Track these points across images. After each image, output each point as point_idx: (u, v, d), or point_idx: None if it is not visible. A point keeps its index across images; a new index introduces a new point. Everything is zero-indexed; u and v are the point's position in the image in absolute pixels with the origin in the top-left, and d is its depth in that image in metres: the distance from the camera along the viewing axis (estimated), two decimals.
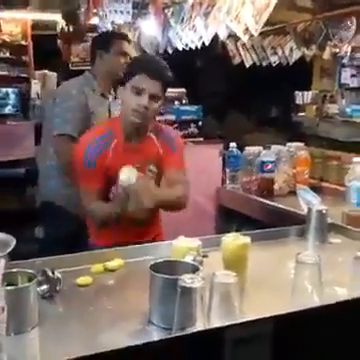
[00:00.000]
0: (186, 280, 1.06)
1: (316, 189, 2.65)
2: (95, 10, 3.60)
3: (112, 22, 3.83)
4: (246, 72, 5.27)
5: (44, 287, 1.33)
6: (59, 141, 2.49)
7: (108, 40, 2.67)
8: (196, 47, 3.55)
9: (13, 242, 1.32)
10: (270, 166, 2.67)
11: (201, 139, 3.11)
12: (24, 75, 5.13)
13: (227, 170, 2.83)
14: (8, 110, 4.49)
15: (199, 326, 1.11)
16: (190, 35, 3.54)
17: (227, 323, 1.03)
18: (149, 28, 3.90)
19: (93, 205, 1.88)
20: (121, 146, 1.88)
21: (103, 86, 2.64)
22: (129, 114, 1.82)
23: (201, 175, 2.82)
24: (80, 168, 1.88)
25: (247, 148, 2.79)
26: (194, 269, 1.19)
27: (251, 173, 2.76)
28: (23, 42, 5.20)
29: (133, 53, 2.78)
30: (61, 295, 1.34)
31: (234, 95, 6.63)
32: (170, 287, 1.10)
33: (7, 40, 5.16)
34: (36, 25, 5.06)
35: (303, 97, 5.60)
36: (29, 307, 1.15)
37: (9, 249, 1.29)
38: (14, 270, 1.20)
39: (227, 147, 2.83)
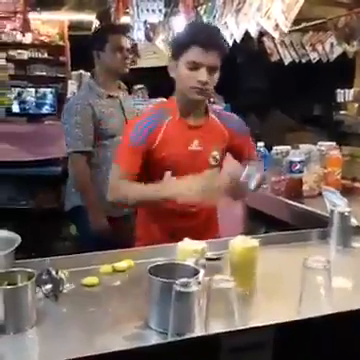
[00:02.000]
0: (181, 284, 1.03)
1: (348, 190, 2.55)
2: (127, 10, 3.63)
3: (145, 21, 3.85)
4: (285, 69, 5.17)
5: (48, 286, 1.32)
6: (73, 158, 2.55)
7: (102, 38, 2.53)
8: (233, 44, 3.49)
9: (18, 240, 1.33)
10: (298, 166, 2.57)
11: None
12: (61, 75, 5.23)
13: None
14: (45, 110, 4.58)
15: (198, 332, 1.08)
16: (222, 32, 3.49)
17: (220, 330, 0.99)
18: (181, 26, 3.88)
19: (122, 183, 1.69)
20: (177, 123, 1.73)
21: (108, 87, 2.59)
22: (187, 92, 1.69)
23: None
24: (123, 147, 1.74)
25: (275, 147, 2.71)
26: (195, 272, 1.15)
27: (279, 173, 2.68)
28: (60, 43, 5.30)
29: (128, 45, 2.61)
30: (65, 295, 1.33)
31: (273, 93, 6.52)
32: (166, 291, 1.07)
33: (45, 41, 5.28)
34: (73, 26, 5.15)
35: (344, 95, 5.41)
36: (28, 306, 1.14)
37: (13, 247, 1.30)
38: (14, 269, 1.20)
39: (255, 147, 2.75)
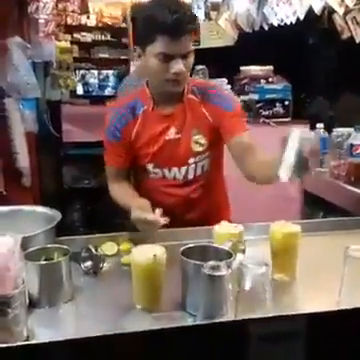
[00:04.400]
0: (210, 267, 1.00)
1: None
2: None
3: (206, 0, 3.78)
4: (356, 48, 4.89)
5: (87, 264, 1.34)
6: None
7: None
8: (300, 22, 3.36)
9: (59, 217, 1.36)
10: None
11: (287, 119, 2.93)
12: (124, 57, 5.26)
13: None
14: (108, 92, 4.65)
15: (228, 317, 1.05)
16: (285, 9, 3.37)
17: (248, 317, 0.96)
18: (243, 5, 3.77)
19: (115, 187, 1.68)
20: (150, 114, 1.61)
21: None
22: (162, 85, 1.53)
23: None
24: (105, 143, 1.68)
25: (335, 130, 2.57)
26: (228, 256, 1.12)
27: (340, 157, 2.55)
28: (123, 24, 5.33)
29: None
30: (104, 273, 1.35)
31: (344, 73, 6.21)
32: (197, 273, 1.05)
33: (108, 23, 5.33)
34: (136, 7, 5.15)
35: None
36: (62, 282, 1.17)
37: (53, 224, 1.33)
38: (51, 246, 1.22)
39: (314, 128, 2.64)
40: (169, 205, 1.61)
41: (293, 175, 1.21)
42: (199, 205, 1.69)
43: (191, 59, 1.51)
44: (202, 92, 1.62)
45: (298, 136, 1.22)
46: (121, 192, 1.66)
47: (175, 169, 1.64)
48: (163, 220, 1.38)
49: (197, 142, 1.61)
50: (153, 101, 1.62)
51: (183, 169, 1.64)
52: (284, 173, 1.21)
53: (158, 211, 1.40)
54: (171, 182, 1.66)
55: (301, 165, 1.22)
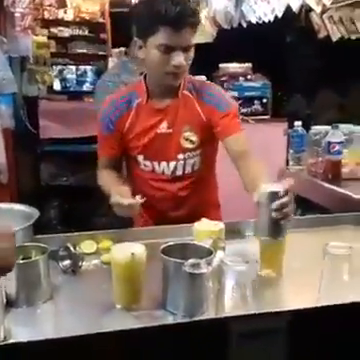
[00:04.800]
0: (190, 265, 1.00)
1: None
2: None
3: None
4: (333, 47, 4.95)
5: (66, 262, 1.32)
6: None
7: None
8: (280, 22, 3.38)
9: (36, 215, 1.33)
10: (337, 147, 2.45)
11: (266, 117, 2.95)
12: (102, 53, 5.22)
13: (291, 151, 2.67)
14: (86, 87, 4.61)
15: (209, 315, 1.05)
16: (263, 7, 3.38)
17: (229, 314, 0.96)
18: (222, 2, 3.78)
19: (104, 173, 1.70)
20: (144, 107, 1.61)
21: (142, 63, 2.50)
22: (161, 77, 1.53)
23: (263, 155, 2.67)
24: (99, 136, 1.70)
25: (314, 127, 2.60)
26: (208, 254, 1.12)
27: (317, 154, 2.58)
28: (101, 20, 5.28)
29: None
30: (83, 271, 1.33)
31: (320, 72, 6.28)
32: (177, 271, 1.04)
33: (86, 18, 5.27)
34: (114, 3, 5.11)
35: None
36: (40, 281, 1.15)
37: (31, 222, 1.30)
38: (29, 244, 1.20)
39: (292, 126, 2.66)
40: (157, 199, 1.66)
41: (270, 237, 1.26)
42: (187, 202, 1.69)
43: (191, 53, 1.51)
44: (198, 90, 1.62)
45: (266, 196, 1.25)
46: (107, 179, 1.68)
47: (164, 163, 1.64)
48: (140, 201, 1.41)
49: (187, 139, 1.61)
50: (148, 94, 1.62)
51: (172, 164, 1.64)
52: (262, 236, 1.28)
53: (138, 197, 1.42)
54: (160, 176, 1.67)
55: (275, 228, 1.26)
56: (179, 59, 1.46)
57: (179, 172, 1.65)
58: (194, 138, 1.61)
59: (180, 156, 1.63)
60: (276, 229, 1.25)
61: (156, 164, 1.65)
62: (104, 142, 1.69)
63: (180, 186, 1.68)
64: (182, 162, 1.64)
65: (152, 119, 1.61)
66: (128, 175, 1.77)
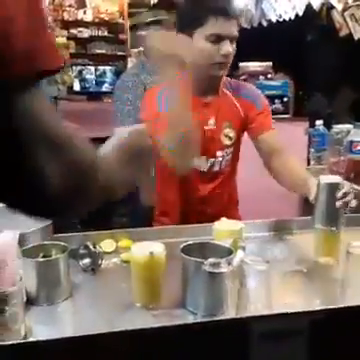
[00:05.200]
0: (210, 264, 0.99)
1: None
2: None
3: None
4: (355, 45, 4.88)
5: (86, 261, 1.32)
6: None
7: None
8: (299, 18, 3.35)
9: None
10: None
11: (286, 116, 2.92)
12: (121, 53, 5.23)
13: (312, 150, 2.64)
14: (105, 88, 4.62)
15: (229, 315, 1.04)
16: (283, 5, 3.35)
17: (248, 314, 0.94)
18: (242, 0, 3.75)
19: None
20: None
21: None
22: (209, 68, 1.53)
23: None
24: (154, 114, 1.46)
25: (335, 126, 2.56)
26: (228, 253, 1.10)
27: (339, 153, 2.54)
28: (120, 20, 5.29)
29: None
30: (103, 270, 1.33)
31: (343, 70, 6.19)
32: (197, 271, 1.03)
33: (105, 18, 5.29)
34: (133, 3, 5.12)
35: None
36: (60, 279, 1.15)
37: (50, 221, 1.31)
38: (49, 243, 1.21)
39: (313, 125, 2.63)
40: (182, 200, 1.66)
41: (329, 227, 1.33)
42: (217, 200, 1.69)
43: (234, 45, 1.55)
44: (235, 87, 1.67)
45: (326, 186, 1.32)
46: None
47: (203, 158, 1.63)
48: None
49: (227, 135, 1.64)
50: (193, 88, 1.54)
51: (210, 161, 1.64)
52: (324, 226, 1.34)
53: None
54: (193, 174, 1.62)
55: (337, 217, 1.33)
56: (228, 48, 1.50)
57: (216, 168, 1.65)
58: (232, 134, 1.64)
59: (219, 153, 1.64)
60: (338, 218, 1.33)
61: (196, 159, 1.60)
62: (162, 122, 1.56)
63: (210, 183, 1.67)
64: (220, 159, 1.65)
65: (200, 113, 1.55)
66: (160, 171, 1.66)
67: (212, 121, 1.62)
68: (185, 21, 1.55)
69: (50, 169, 0.60)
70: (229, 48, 1.50)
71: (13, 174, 0.59)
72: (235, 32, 1.52)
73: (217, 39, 1.50)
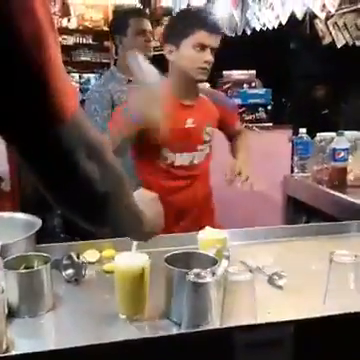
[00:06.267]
0: (195, 274, 0.99)
1: None
2: None
3: (188, 5, 3.77)
4: (337, 53, 4.93)
5: (69, 271, 1.31)
6: None
7: (123, 22, 2.44)
8: (282, 27, 3.38)
9: (39, 223, 1.32)
10: (343, 154, 2.44)
11: (270, 124, 2.94)
12: (105, 60, 5.23)
13: (295, 158, 2.65)
14: None
15: (214, 325, 1.03)
16: (267, 14, 3.38)
17: (233, 324, 0.94)
18: (226, 9, 3.78)
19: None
20: (171, 104, 1.78)
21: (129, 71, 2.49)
22: (193, 72, 1.78)
23: (268, 161, 2.68)
24: (118, 117, 1.74)
25: (319, 134, 2.58)
26: (213, 263, 1.10)
27: (322, 161, 2.56)
28: (105, 28, 5.30)
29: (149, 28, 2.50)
30: (87, 281, 1.32)
31: (325, 79, 6.26)
32: (181, 281, 1.03)
33: (89, 26, 5.29)
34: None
35: None
36: (43, 291, 1.13)
37: (34, 231, 1.29)
38: (31, 253, 1.19)
39: (296, 133, 2.65)
40: (174, 187, 1.87)
41: None
42: (192, 193, 1.89)
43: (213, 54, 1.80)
44: (208, 93, 1.99)
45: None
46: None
47: (185, 154, 1.86)
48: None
49: (207, 133, 1.91)
50: (174, 92, 1.84)
51: (192, 154, 1.87)
52: None
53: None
54: (176, 171, 1.86)
55: None
56: (210, 57, 1.77)
57: (196, 161, 1.89)
58: (211, 132, 1.92)
59: (199, 147, 1.89)
60: None
61: (178, 156, 1.84)
62: (124, 122, 1.67)
63: (189, 179, 1.88)
64: (200, 153, 1.89)
65: (180, 114, 1.83)
66: (146, 166, 1.88)
67: (192, 120, 1.85)
68: (172, 34, 1.81)
69: (92, 170, 0.66)
70: (210, 56, 1.76)
71: (65, 180, 0.66)
72: (216, 44, 1.78)
73: (201, 48, 1.75)
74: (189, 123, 1.85)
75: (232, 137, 2.06)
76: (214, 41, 1.76)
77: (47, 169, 0.65)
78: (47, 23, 0.55)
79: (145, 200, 1.03)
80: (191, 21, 1.76)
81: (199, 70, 1.77)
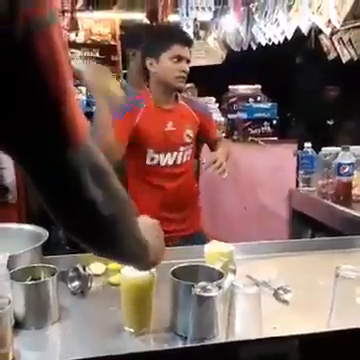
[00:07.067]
0: (201, 288, 0.99)
1: None
2: (176, 8, 3.62)
3: (195, 19, 3.81)
4: (342, 68, 4.96)
5: (75, 284, 1.31)
6: None
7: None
8: (288, 42, 3.41)
9: (46, 235, 1.33)
10: (348, 169, 2.45)
11: (275, 138, 2.95)
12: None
13: (300, 172, 2.66)
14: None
15: (219, 339, 1.03)
16: (273, 29, 3.42)
17: (238, 339, 0.94)
18: (232, 24, 3.82)
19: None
20: (152, 110, 2.03)
21: (140, 85, 2.38)
22: (172, 81, 2.01)
23: (274, 176, 2.68)
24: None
25: (324, 149, 2.59)
26: (219, 276, 1.10)
27: (327, 176, 2.57)
28: (112, 42, 5.36)
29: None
30: (92, 293, 1.32)
31: (331, 93, 6.27)
32: (187, 294, 1.03)
33: (97, 40, 5.35)
34: (124, 25, 5.18)
35: None
36: (49, 303, 1.14)
37: (41, 242, 1.30)
38: (38, 265, 1.20)
39: (301, 147, 2.65)
40: (161, 185, 2.07)
41: None
42: (184, 188, 2.11)
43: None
44: (188, 101, 2.21)
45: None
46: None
47: (169, 154, 2.06)
48: None
49: (188, 135, 2.11)
50: (155, 100, 2.05)
51: (174, 154, 2.07)
52: None
53: None
54: (162, 170, 2.06)
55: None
56: (186, 66, 2.02)
57: (179, 161, 2.08)
58: (192, 134, 2.13)
59: (181, 148, 2.08)
60: None
61: (162, 156, 2.04)
62: (118, 125, 1.83)
63: (175, 178, 2.08)
64: (182, 153, 2.09)
65: (161, 118, 2.05)
66: (134, 167, 2.08)
67: (172, 123, 2.07)
68: (151, 48, 2.04)
69: (98, 194, 0.68)
70: (186, 66, 2.02)
71: (70, 202, 0.68)
72: (189, 55, 2.03)
73: (178, 59, 1.99)
74: (169, 126, 2.06)
75: (213, 145, 2.26)
76: (188, 53, 2.02)
77: (54, 191, 0.67)
78: (64, 53, 0.57)
79: (146, 226, 1.01)
80: (168, 36, 2.04)
81: (178, 79, 2.01)
